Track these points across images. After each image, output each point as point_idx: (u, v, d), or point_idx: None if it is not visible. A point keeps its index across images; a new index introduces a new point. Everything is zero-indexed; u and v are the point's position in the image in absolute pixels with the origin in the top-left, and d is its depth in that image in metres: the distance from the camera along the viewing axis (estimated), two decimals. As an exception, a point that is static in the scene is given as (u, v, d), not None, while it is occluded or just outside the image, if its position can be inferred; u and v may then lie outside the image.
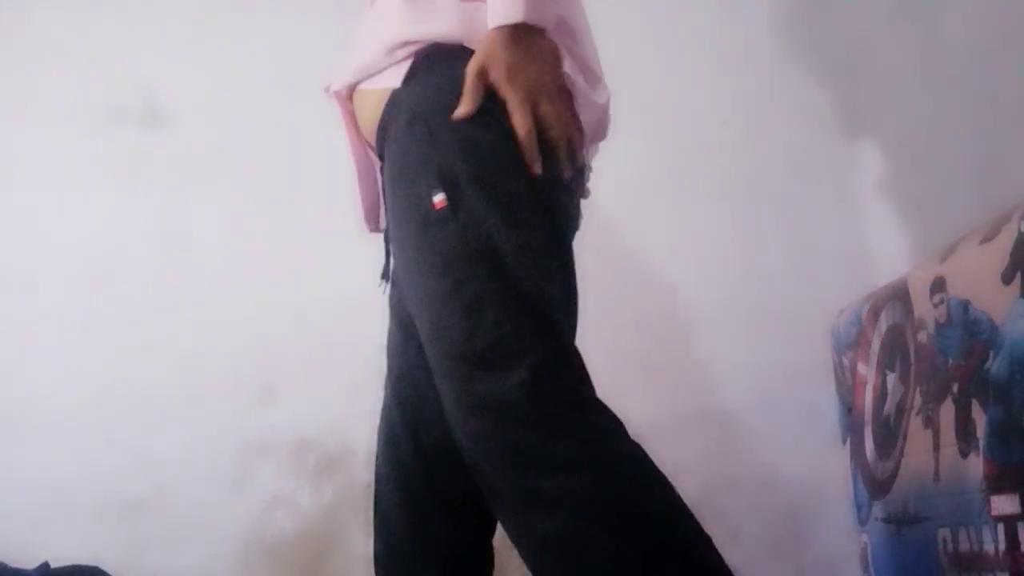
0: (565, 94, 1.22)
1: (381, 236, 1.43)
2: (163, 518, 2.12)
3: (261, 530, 2.14)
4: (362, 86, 1.29)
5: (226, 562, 2.11)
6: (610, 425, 1.09)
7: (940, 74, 1.94)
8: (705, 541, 1.07)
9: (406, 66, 1.22)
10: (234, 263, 2.25)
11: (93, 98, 2.34)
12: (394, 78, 1.23)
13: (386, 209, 1.29)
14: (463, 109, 1.14)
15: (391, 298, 1.42)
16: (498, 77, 1.15)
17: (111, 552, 1.99)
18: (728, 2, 2.36)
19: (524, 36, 1.16)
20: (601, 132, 1.35)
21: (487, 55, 1.15)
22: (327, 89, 1.38)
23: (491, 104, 1.16)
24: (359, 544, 2.12)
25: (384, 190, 1.29)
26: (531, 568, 1.08)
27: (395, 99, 1.22)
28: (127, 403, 2.17)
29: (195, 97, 2.33)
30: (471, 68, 1.15)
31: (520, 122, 1.15)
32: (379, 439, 1.41)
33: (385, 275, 1.40)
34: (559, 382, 1.08)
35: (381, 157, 1.27)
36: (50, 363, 2.20)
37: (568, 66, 1.23)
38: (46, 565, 1.86)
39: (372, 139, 1.29)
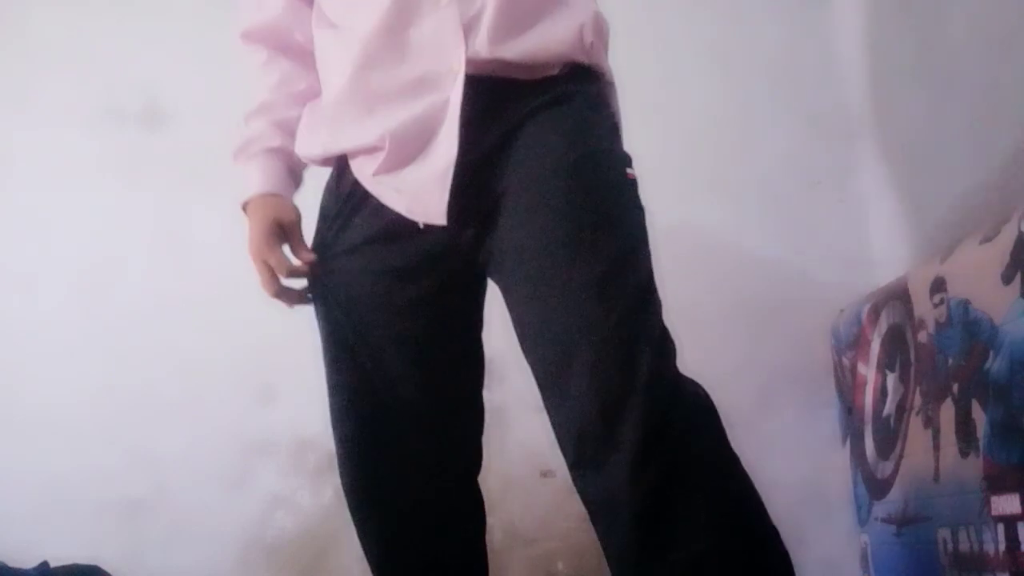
0: None
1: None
2: (163, 518, 2.12)
3: (261, 530, 2.14)
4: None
5: (226, 562, 2.11)
6: None
7: (940, 74, 1.94)
8: None
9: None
10: (234, 263, 2.23)
11: (93, 98, 2.34)
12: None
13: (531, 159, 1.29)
14: None
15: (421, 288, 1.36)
16: None
17: (111, 552, 1.98)
18: (728, 2, 2.36)
19: None
20: None
21: None
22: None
23: None
24: (359, 544, 2.12)
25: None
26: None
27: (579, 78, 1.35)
28: (127, 403, 2.17)
29: (195, 97, 2.33)
30: None
31: None
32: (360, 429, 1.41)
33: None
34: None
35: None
36: (50, 363, 2.20)
37: None
38: (45, 564, 1.86)
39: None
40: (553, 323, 1.22)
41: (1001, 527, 1.43)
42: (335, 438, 1.45)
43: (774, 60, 2.33)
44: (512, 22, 1.30)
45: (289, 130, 1.47)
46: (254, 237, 1.41)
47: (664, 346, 1.24)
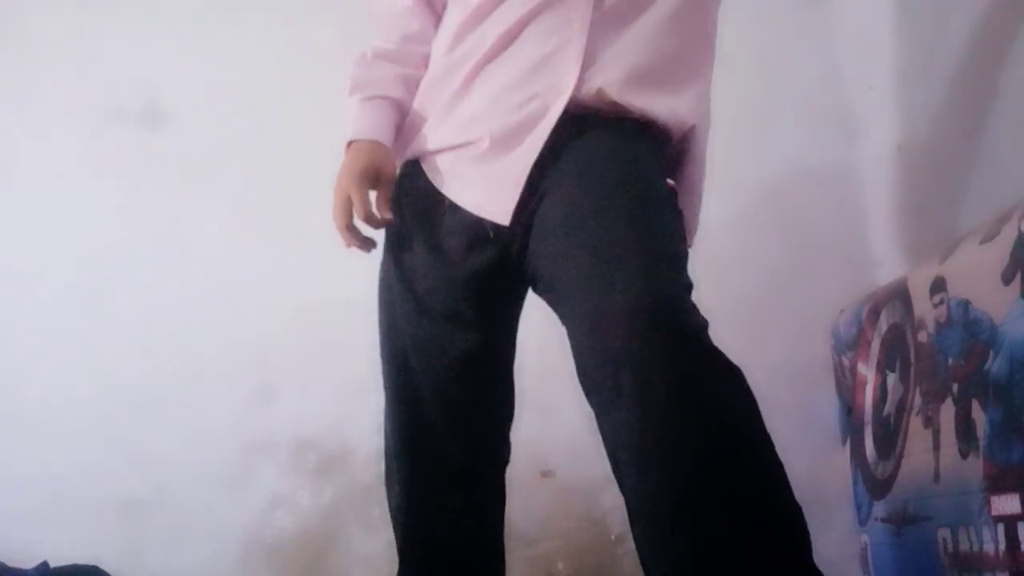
0: None
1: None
2: (163, 517, 2.12)
3: (261, 530, 2.14)
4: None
5: (226, 562, 2.11)
6: None
7: (940, 74, 1.94)
8: None
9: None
10: (234, 263, 2.25)
11: (93, 98, 2.34)
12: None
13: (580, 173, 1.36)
14: None
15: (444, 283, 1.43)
16: None
17: (111, 552, 1.99)
18: (728, 2, 2.36)
19: None
20: None
21: None
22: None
23: None
24: (359, 544, 2.12)
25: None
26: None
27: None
28: (127, 403, 2.17)
29: (195, 97, 2.33)
30: None
31: None
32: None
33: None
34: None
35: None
36: (50, 363, 2.20)
37: None
38: (45, 564, 1.86)
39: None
40: (587, 279, 1.26)
41: (1001, 527, 1.43)
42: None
43: (774, 60, 2.33)
44: (640, 76, 1.39)
45: (409, 86, 1.51)
46: (347, 171, 1.43)
47: (696, 313, 1.27)
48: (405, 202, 1.46)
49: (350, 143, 1.47)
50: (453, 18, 1.48)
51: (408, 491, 1.46)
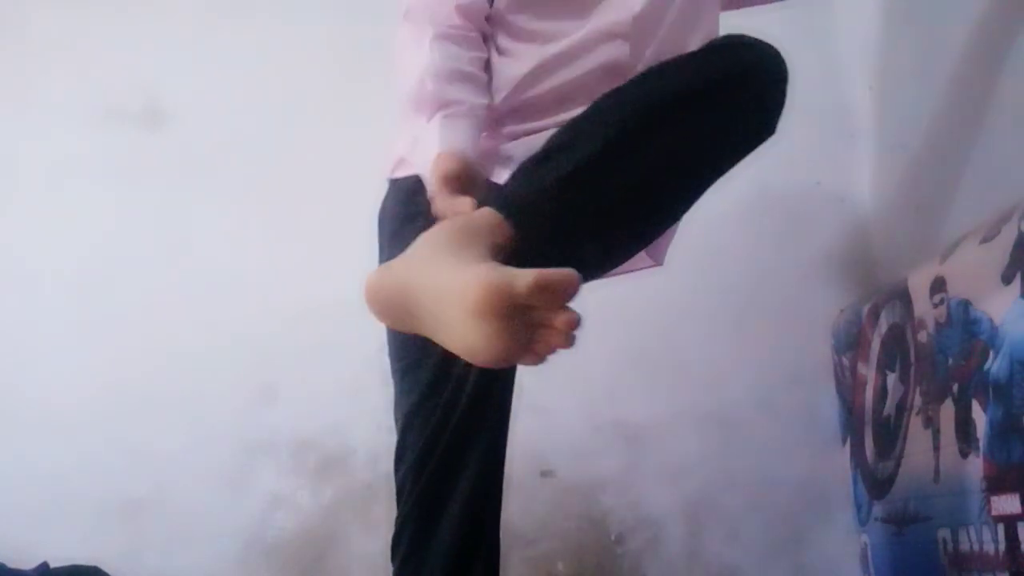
0: None
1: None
2: (163, 518, 2.12)
3: (261, 530, 2.14)
4: None
5: (226, 562, 2.11)
6: None
7: (940, 74, 1.94)
8: None
9: None
10: (234, 263, 2.25)
11: (93, 98, 2.34)
12: None
13: None
14: None
15: None
16: None
17: (111, 552, 1.98)
18: (728, 2, 2.36)
19: None
20: None
21: None
22: None
23: None
24: (359, 544, 2.12)
25: None
26: None
27: None
28: (127, 403, 2.17)
29: (195, 97, 2.33)
30: None
31: None
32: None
33: None
34: None
35: None
36: (50, 363, 2.20)
37: None
38: (45, 565, 1.86)
39: None
40: None
41: (1001, 527, 1.43)
42: None
43: (774, 60, 2.33)
44: None
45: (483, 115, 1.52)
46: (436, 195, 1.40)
47: None
48: (417, 213, 1.43)
49: (438, 155, 1.42)
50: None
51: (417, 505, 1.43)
